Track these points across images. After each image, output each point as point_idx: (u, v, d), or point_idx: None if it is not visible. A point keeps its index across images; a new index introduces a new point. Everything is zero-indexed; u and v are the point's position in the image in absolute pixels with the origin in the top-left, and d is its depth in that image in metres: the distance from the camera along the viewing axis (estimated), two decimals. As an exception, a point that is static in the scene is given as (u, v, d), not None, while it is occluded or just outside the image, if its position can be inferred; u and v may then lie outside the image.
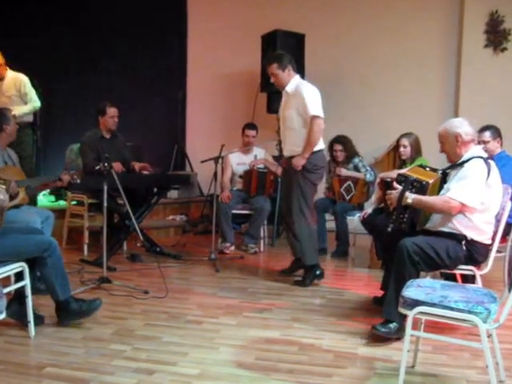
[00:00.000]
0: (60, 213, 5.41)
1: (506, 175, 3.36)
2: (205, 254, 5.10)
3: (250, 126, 5.68)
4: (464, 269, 3.20)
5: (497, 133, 4.22)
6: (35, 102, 5.32)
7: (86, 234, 5.16)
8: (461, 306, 2.29)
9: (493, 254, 3.20)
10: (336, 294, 4.06)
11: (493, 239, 3.20)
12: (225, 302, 3.80)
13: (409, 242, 3.01)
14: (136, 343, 2.98)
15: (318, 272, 4.26)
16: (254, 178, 5.47)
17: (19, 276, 3.02)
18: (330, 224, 5.43)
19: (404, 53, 6.43)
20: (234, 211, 5.47)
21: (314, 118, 4.02)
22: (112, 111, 4.97)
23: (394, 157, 5.83)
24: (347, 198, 5.32)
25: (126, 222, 4.84)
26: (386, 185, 3.55)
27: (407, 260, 2.97)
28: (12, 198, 3.50)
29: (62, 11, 6.97)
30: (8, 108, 4.22)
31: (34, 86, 5.43)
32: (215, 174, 5.06)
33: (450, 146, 3.21)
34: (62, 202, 6.13)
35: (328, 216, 5.41)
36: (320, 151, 4.19)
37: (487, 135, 4.17)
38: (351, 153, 5.39)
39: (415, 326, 2.52)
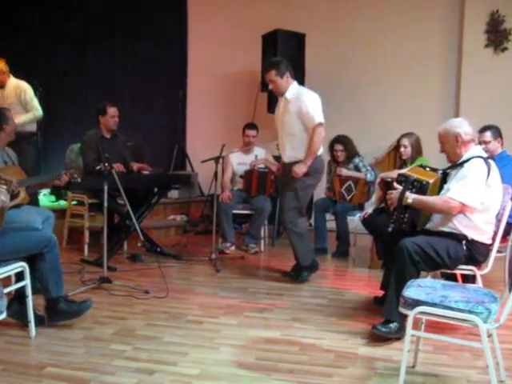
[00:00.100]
0: (60, 213, 5.42)
1: (506, 175, 3.36)
2: (205, 253, 5.10)
3: (251, 125, 5.67)
4: (464, 269, 3.20)
5: (497, 133, 4.22)
6: (36, 111, 5.26)
7: (87, 233, 5.16)
8: (461, 306, 2.29)
9: (493, 254, 3.20)
10: (336, 293, 4.06)
11: (493, 239, 3.20)
12: (225, 301, 3.80)
13: (409, 242, 3.01)
14: (136, 343, 2.98)
15: (312, 269, 4.37)
16: (254, 178, 5.47)
17: (19, 276, 3.02)
18: (331, 224, 5.44)
19: (404, 52, 6.43)
20: (235, 211, 5.47)
21: (317, 125, 4.07)
22: (112, 111, 4.97)
23: (394, 157, 5.82)
24: (348, 197, 5.32)
25: (126, 221, 4.84)
26: (387, 185, 3.55)
27: (407, 260, 2.97)
28: (13, 197, 3.50)
29: (62, 11, 6.97)
30: (7, 108, 4.21)
31: (34, 85, 5.42)
32: (216, 174, 5.06)
33: (450, 146, 3.21)
34: (62, 202, 6.13)
35: (328, 216, 5.41)
36: (320, 156, 4.24)
37: (488, 135, 4.17)
38: (352, 153, 5.39)
39: (416, 326, 2.52)
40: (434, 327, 2.85)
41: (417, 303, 2.37)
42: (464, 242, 3.09)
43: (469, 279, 3.56)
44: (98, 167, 3.98)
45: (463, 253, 3.09)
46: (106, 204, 3.97)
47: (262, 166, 5.57)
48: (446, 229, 3.15)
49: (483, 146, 3.97)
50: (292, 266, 4.49)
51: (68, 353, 2.83)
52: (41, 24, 6.90)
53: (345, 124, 6.10)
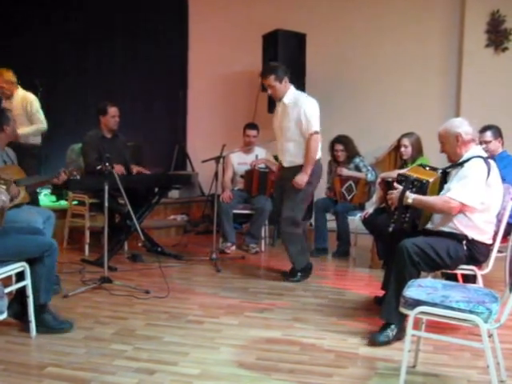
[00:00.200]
0: (61, 213, 5.42)
1: (508, 176, 3.36)
2: (206, 253, 5.10)
3: (251, 125, 5.68)
4: (465, 269, 3.20)
5: (498, 133, 4.22)
6: (41, 124, 5.23)
7: (87, 233, 5.16)
8: (462, 306, 2.29)
9: (494, 254, 3.20)
10: (337, 293, 4.06)
11: (494, 239, 3.19)
12: (226, 301, 3.80)
13: (409, 243, 3.01)
14: (137, 343, 2.98)
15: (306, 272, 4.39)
16: (255, 178, 5.47)
17: (20, 276, 3.02)
18: (331, 224, 5.43)
19: (405, 52, 6.43)
20: (235, 211, 5.47)
21: (313, 133, 4.10)
22: (113, 110, 4.97)
23: (395, 157, 5.83)
24: (348, 197, 5.32)
25: (127, 221, 4.84)
26: (388, 185, 3.55)
27: (407, 261, 2.97)
28: (13, 197, 3.50)
29: (62, 11, 6.97)
30: (9, 109, 4.21)
31: (34, 86, 5.42)
32: (216, 174, 5.06)
33: (451, 145, 3.21)
34: (63, 202, 6.13)
35: (329, 216, 5.41)
36: (318, 160, 4.26)
37: (488, 135, 4.17)
38: (352, 153, 5.39)
39: (416, 326, 2.52)
40: (435, 327, 2.85)
41: (417, 303, 2.37)
42: (464, 242, 3.09)
43: (469, 279, 3.56)
44: (98, 167, 3.98)
45: (463, 253, 3.09)
46: (106, 204, 3.97)
47: (263, 165, 5.57)
48: (446, 229, 3.15)
49: (483, 145, 3.96)
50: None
51: (69, 353, 2.83)
52: (41, 24, 6.90)
53: (345, 124, 6.10)
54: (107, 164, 3.91)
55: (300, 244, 4.35)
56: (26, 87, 5.34)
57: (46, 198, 6.41)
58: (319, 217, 5.39)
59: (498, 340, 2.53)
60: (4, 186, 3.27)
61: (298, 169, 4.19)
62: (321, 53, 6.54)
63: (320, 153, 4.28)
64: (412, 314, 2.36)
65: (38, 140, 5.35)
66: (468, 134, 3.16)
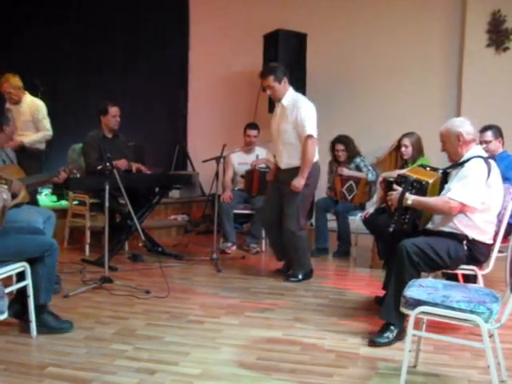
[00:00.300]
0: (62, 213, 5.42)
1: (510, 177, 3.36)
2: (206, 253, 5.10)
3: (252, 125, 5.68)
4: (466, 269, 3.20)
5: (498, 132, 4.22)
6: (47, 131, 5.25)
7: (88, 233, 5.16)
8: (463, 306, 2.29)
9: (494, 254, 3.20)
10: (338, 293, 4.06)
11: (494, 239, 3.19)
12: (226, 301, 3.80)
13: (408, 243, 3.00)
14: (137, 343, 2.98)
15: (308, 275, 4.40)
16: (255, 178, 5.47)
17: (21, 276, 3.02)
18: (332, 224, 5.43)
19: (406, 52, 6.43)
20: (236, 211, 5.47)
21: (309, 137, 4.09)
22: (114, 110, 4.97)
23: (395, 157, 5.82)
24: (349, 197, 5.32)
25: (127, 221, 4.84)
26: (389, 184, 3.55)
27: (407, 261, 2.96)
28: (14, 196, 3.50)
29: (62, 11, 6.97)
30: (9, 108, 4.21)
31: (35, 86, 5.41)
32: (217, 174, 5.06)
33: (452, 145, 3.20)
34: (63, 202, 6.13)
35: (330, 216, 5.41)
36: (316, 162, 4.26)
37: (489, 135, 4.16)
38: (353, 152, 5.39)
39: (417, 326, 2.52)
40: (435, 327, 2.85)
41: (418, 303, 2.37)
42: (465, 242, 3.09)
43: (470, 279, 3.56)
44: (99, 167, 3.98)
45: (464, 253, 3.09)
46: (107, 204, 3.97)
47: (263, 165, 5.57)
48: (446, 229, 3.14)
49: (484, 145, 3.96)
50: (283, 265, 4.57)
51: (69, 353, 2.83)
52: (41, 24, 6.89)
53: (346, 124, 6.10)
54: (108, 164, 3.91)
55: (305, 247, 4.37)
56: (27, 87, 5.33)
57: (46, 197, 6.41)
58: (320, 217, 5.39)
59: (499, 340, 2.52)
60: (5, 186, 3.26)
61: (294, 171, 4.18)
62: (321, 53, 6.54)
63: (317, 156, 4.26)
64: (413, 314, 2.36)
65: (42, 146, 5.38)
66: (469, 134, 3.16)
